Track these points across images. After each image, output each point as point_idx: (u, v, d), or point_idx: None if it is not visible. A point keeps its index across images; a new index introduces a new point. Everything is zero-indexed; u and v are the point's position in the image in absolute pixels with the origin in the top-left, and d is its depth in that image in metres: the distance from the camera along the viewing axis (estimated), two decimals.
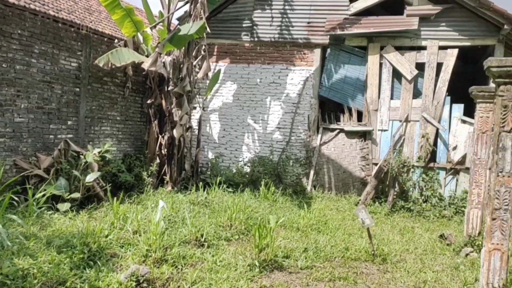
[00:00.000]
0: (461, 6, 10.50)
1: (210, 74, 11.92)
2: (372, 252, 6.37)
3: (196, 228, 6.51)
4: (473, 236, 6.99)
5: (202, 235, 6.37)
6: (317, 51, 11.77)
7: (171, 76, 10.70)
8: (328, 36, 11.52)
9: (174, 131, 10.71)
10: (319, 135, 11.73)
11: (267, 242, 5.73)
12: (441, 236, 7.74)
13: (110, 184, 8.89)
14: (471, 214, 7.03)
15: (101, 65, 9.31)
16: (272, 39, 12.03)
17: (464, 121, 10.69)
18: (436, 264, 6.24)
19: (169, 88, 10.78)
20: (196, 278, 4.92)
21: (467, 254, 6.62)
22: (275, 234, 7.14)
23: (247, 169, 12.12)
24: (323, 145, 11.74)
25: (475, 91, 6.53)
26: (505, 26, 9.83)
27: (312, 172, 11.67)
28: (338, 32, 11.29)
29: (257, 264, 5.48)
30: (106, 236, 5.92)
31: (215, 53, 12.51)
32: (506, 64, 3.96)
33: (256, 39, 12.15)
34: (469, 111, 10.23)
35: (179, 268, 5.25)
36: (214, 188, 9.99)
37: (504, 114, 4.10)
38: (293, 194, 11.19)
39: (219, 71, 12.19)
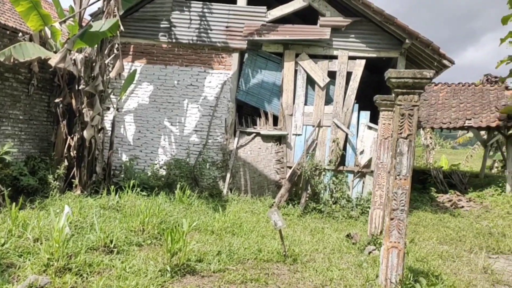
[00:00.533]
0: (368, 20, 11.24)
1: (125, 74, 11.52)
2: (284, 253, 6.55)
3: (105, 234, 6.23)
4: (376, 235, 7.48)
5: (111, 241, 6.11)
6: (235, 56, 11.90)
7: (82, 74, 10.17)
8: (246, 41, 11.70)
9: (85, 132, 10.19)
10: (236, 139, 11.84)
11: (180, 246, 5.64)
12: (348, 235, 8.17)
13: (9, 189, 8.21)
14: (374, 214, 7.52)
15: (1, 59, 8.59)
16: (191, 41, 11.93)
17: (370, 127, 11.43)
18: (342, 262, 6.57)
19: (80, 87, 10.24)
20: (102, 286, 4.70)
21: (370, 252, 7.06)
22: (189, 238, 7.08)
23: (163, 172, 11.88)
24: (239, 148, 11.86)
25: (378, 99, 7.02)
26: (407, 41, 10.71)
27: (228, 175, 11.74)
28: (256, 37, 11.51)
29: (168, 269, 5.38)
30: (2, 245, 5.45)
31: (131, 53, 12.12)
32: (404, 76, 4.31)
33: (174, 40, 11.97)
34: (375, 118, 10.95)
35: (84, 277, 4.98)
36: (127, 192, 9.65)
37: (402, 122, 4.45)
38: (209, 197, 11.17)
39: (135, 71, 11.82)
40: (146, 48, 12.11)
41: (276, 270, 6.05)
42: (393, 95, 4.84)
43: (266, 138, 11.82)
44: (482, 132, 18.86)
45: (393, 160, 4.56)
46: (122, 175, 11.73)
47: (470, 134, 25.34)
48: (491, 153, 21.39)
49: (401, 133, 4.47)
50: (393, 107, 6.45)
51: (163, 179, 11.66)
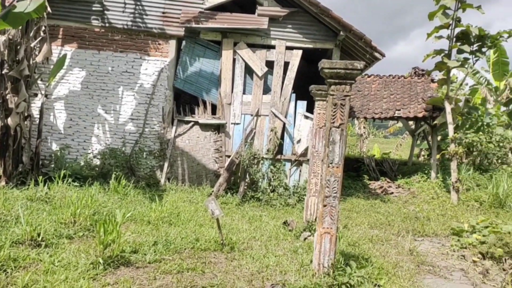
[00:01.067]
0: (305, 11, 11.42)
1: (54, 59, 10.90)
2: (221, 242, 6.56)
3: (32, 227, 5.90)
4: (311, 221, 7.70)
5: (39, 234, 5.80)
6: (172, 43, 11.63)
7: (6, 58, 9.50)
8: (184, 28, 11.47)
9: (9, 119, 9.54)
10: (174, 127, 11.64)
11: (113, 237, 5.47)
12: (285, 222, 8.34)
13: None
14: (310, 201, 7.73)
15: None
16: (125, 26, 11.49)
17: (307, 117, 11.69)
18: (278, 249, 6.70)
19: (3, 72, 9.55)
20: (28, 282, 4.46)
21: (305, 238, 7.26)
22: (124, 229, 6.90)
23: (97, 161, 11.43)
24: (177, 137, 11.68)
25: (314, 89, 7.18)
26: (341, 33, 11.03)
27: (166, 165, 11.54)
28: (193, 25, 11.32)
29: (101, 261, 5.20)
30: None
31: (60, 36, 11.46)
32: (336, 66, 4.43)
33: (107, 24, 11.47)
34: (312, 108, 11.21)
35: (8, 272, 4.69)
36: (58, 182, 9.19)
37: (334, 111, 4.59)
38: (146, 187, 10.93)
39: (64, 56, 11.19)
40: (77, 32, 11.51)
41: (214, 258, 6.06)
42: (327, 85, 4.96)
43: (205, 127, 11.72)
44: (411, 122, 19.94)
45: (326, 148, 4.69)
46: (52, 165, 11.16)
47: (400, 124, 26.74)
48: (419, 142, 22.69)
49: (333, 122, 4.61)
50: (327, 97, 6.62)
51: (97, 169, 11.24)
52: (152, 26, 11.52)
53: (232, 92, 11.74)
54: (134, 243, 6.17)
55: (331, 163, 4.70)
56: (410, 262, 6.67)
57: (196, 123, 11.70)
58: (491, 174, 14.91)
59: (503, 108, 23.24)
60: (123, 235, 6.02)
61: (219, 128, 11.76)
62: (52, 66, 11.07)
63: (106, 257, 5.36)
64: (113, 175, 10.08)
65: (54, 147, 11.47)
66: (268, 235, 7.53)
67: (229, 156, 11.55)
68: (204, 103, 11.84)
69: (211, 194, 10.77)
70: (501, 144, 17.73)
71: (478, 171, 15.67)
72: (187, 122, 11.73)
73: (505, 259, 6.52)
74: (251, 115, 11.73)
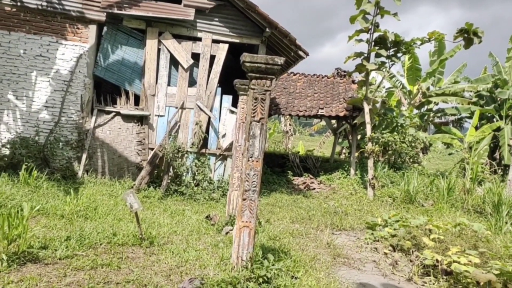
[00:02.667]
0: (232, 5, 11.38)
1: None
2: (140, 236, 6.36)
3: None
4: (233, 215, 7.71)
5: None
6: (93, 28, 11.04)
7: None
8: (105, 14, 10.93)
9: None
10: (94, 117, 11.08)
11: (19, 232, 5.07)
12: (207, 217, 8.28)
13: None
14: (232, 195, 7.74)
15: None
16: (40, 7, 10.69)
17: (232, 111, 11.70)
18: (199, 244, 6.63)
19: None
20: None
21: (227, 232, 7.26)
22: (34, 223, 6.46)
23: (6, 151, 10.56)
24: (97, 128, 11.14)
25: (238, 84, 7.18)
26: (267, 29, 11.14)
27: (84, 156, 10.96)
28: (116, 11, 10.83)
29: (4, 257, 4.80)
30: None
31: None
32: (257, 61, 4.44)
33: (19, 3, 10.60)
34: (237, 103, 11.25)
35: None
36: None
37: (255, 105, 4.60)
38: (62, 179, 10.31)
39: None
40: None
41: (131, 253, 5.85)
42: (248, 80, 4.96)
43: (127, 118, 11.29)
44: (333, 121, 20.75)
45: (246, 142, 4.70)
46: None
47: (324, 122, 27.75)
48: (340, 140, 23.71)
49: (254, 117, 4.62)
50: None
51: (6, 159, 10.38)
52: (70, 8, 10.83)
53: (156, 83, 11.42)
54: (44, 238, 5.78)
55: (251, 157, 4.71)
56: (327, 254, 6.92)
57: (118, 113, 11.23)
58: (404, 172, 15.96)
59: (415, 111, 25.01)
60: (32, 229, 5.61)
61: (142, 120, 11.39)
62: None
63: (10, 253, 4.96)
64: (24, 166, 9.38)
65: None
66: (190, 230, 7.43)
67: (152, 149, 11.24)
68: (127, 93, 11.40)
69: (132, 187, 10.42)
70: (413, 144, 19.05)
71: (392, 169, 16.71)
72: (108, 113, 11.22)
73: (413, 251, 6.98)
74: (176, 107, 11.50)
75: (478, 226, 8.24)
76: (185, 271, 5.35)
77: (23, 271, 4.78)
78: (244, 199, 4.75)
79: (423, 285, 5.98)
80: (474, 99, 24.18)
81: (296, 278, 5.34)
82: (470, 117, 24.05)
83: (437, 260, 6.23)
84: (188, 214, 8.79)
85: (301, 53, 11.55)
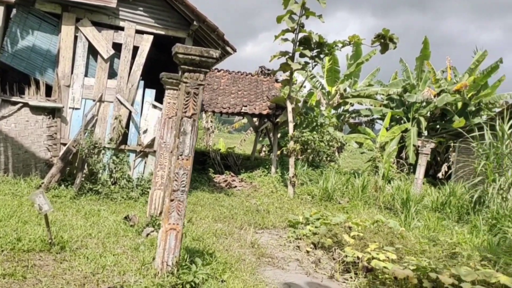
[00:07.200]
0: None
1: None
2: (50, 241, 5.75)
3: None
4: (155, 216, 7.33)
5: None
6: (0, 9, 9.91)
7: None
8: None
9: None
10: None
11: None
12: (126, 217, 7.79)
13: None
14: (155, 195, 7.35)
15: None
16: None
17: (155, 106, 11.18)
18: (118, 247, 6.18)
19: None
20: None
21: (148, 234, 6.86)
22: None
23: None
24: (1, 120, 10.03)
25: (165, 77, 6.81)
26: (195, 22, 10.78)
27: None
28: None
29: None
30: None
31: None
32: (191, 53, 4.16)
33: None
34: (161, 98, 10.77)
35: None
36: None
37: (187, 100, 4.32)
38: None
39: None
40: None
41: (39, 261, 5.27)
42: (180, 72, 4.67)
43: (36, 110, 10.29)
44: (255, 119, 20.85)
45: (176, 139, 4.40)
46: None
47: (245, 120, 27.84)
48: (261, 138, 23.93)
49: (185, 112, 4.34)
50: (179, 85, 6.33)
51: None
52: None
53: (72, 73, 10.55)
54: None
55: (180, 155, 4.42)
56: (251, 254, 6.83)
57: (26, 105, 10.19)
58: (322, 170, 16.49)
59: (333, 111, 26.05)
60: None
61: (54, 112, 10.45)
62: None
63: None
64: None
65: None
66: (107, 232, 6.90)
67: (65, 144, 10.36)
68: (37, 83, 10.40)
69: (40, 186, 9.51)
70: (330, 143, 19.77)
71: (311, 167, 17.18)
72: (14, 103, 10.14)
73: (334, 249, 7.12)
74: (94, 100, 10.72)
75: (393, 223, 8.69)
76: (102, 278, 4.92)
77: None
78: (171, 200, 4.44)
79: (344, 282, 6.11)
80: (385, 102, 25.78)
81: (223, 281, 5.15)
82: (382, 119, 25.62)
83: (357, 257, 6.40)
84: (104, 214, 8.20)
85: (228, 49, 11.35)
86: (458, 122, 21.89)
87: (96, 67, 10.78)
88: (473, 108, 23.68)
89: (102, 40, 10.66)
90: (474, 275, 5.09)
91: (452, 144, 21.18)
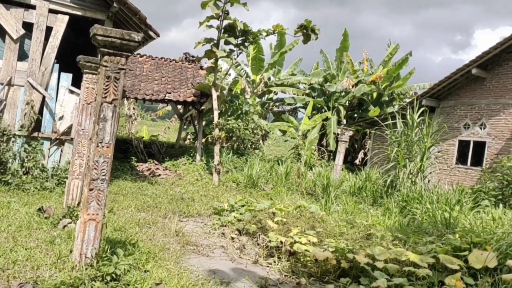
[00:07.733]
0: None
1: None
2: None
3: None
4: (73, 207, 6.97)
5: None
6: None
7: None
8: None
9: None
10: None
11: None
12: (40, 209, 7.31)
13: None
14: (72, 185, 6.98)
15: None
16: None
17: (72, 91, 10.56)
18: (30, 241, 5.79)
19: None
20: None
21: (65, 226, 6.51)
22: None
23: None
24: None
25: (82, 60, 6.44)
26: (115, 4, 10.28)
27: None
28: None
29: None
30: None
31: None
32: (111, 35, 3.96)
33: None
34: (79, 83, 10.19)
35: None
36: None
37: (107, 85, 4.12)
38: None
39: None
40: None
41: None
42: (99, 56, 4.44)
43: None
44: (180, 106, 20.51)
45: (96, 126, 4.19)
46: None
47: (169, 108, 27.31)
48: (186, 126, 23.63)
49: (105, 97, 4.13)
50: (98, 69, 6.02)
51: None
52: None
53: None
54: None
55: (100, 142, 4.22)
56: (176, 243, 6.74)
57: None
58: (246, 158, 16.69)
59: (258, 99, 26.40)
60: None
61: None
62: None
63: None
64: None
65: None
66: (18, 225, 6.44)
67: None
68: None
69: None
70: (255, 131, 20.05)
71: (236, 154, 17.32)
72: None
73: (259, 235, 7.26)
74: (1, 84, 9.86)
75: (315, 207, 9.04)
76: (13, 274, 4.58)
77: None
78: (91, 189, 4.24)
79: (268, 266, 6.26)
80: (308, 91, 26.63)
81: (146, 271, 5.03)
82: (304, 107, 26.47)
83: (281, 242, 6.59)
84: (15, 207, 7.64)
85: (151, 33, 10.99)
86: (374, 111, 23.23)
87: (4, 48, 9.92)
88: (387, 98, 25.25)
89: (11, 19, 9.81)
90: (386, 254, 5.47)
91: (368, 132, 22.47)
